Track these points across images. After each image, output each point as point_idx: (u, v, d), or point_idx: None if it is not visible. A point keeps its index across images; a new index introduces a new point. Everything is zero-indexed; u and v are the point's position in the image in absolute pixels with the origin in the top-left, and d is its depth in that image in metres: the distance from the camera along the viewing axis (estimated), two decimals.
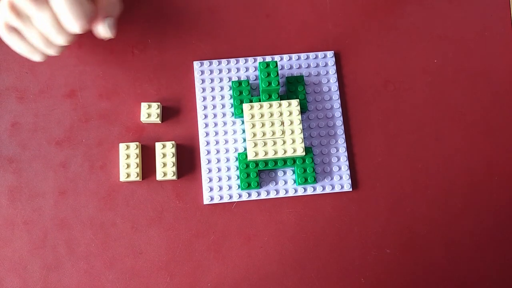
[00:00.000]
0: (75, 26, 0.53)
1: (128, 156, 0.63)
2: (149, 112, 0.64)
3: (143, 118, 0.64)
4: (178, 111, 0.66)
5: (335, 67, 0.68)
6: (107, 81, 0.67)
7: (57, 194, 0.63)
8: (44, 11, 0.53)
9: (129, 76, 0.67)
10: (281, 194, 0.64)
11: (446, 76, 0.69)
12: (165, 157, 0.63)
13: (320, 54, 0.68)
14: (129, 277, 0.62)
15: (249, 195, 0.64)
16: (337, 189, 0.64)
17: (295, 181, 0.64)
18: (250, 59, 0.67)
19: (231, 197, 0.63)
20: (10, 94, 0.66)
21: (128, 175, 0.63)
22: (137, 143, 0.64)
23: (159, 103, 0.64)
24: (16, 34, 0.56)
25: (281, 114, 0.63)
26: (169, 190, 0.64)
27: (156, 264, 0.62)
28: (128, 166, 0.63)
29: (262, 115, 0.63)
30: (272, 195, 0.64)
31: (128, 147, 0.63)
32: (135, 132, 0.65)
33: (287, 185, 0.64)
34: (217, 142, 0.65)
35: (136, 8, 0.69)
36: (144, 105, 0.64)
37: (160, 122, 0.66)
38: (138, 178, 0.63)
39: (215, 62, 0.67)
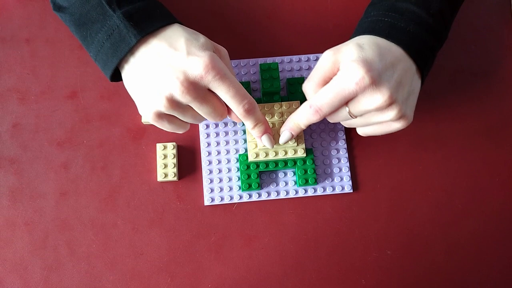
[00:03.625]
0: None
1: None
2: None
3: (144, 119, 0.64)
4: None
5: None
6: (108, 82, 0.67)
7: (58, 195, 0.64)
8: (208, 105, 0.53)
9: None
10: (282, 195, 0.64)
11: (446, 76, 0.70)
12: (166, 158, 0.63)
13: (321, 55, 0.68)
14: (130, 278, 0.62)
15: (250, 196, 0.64)
16: (337, 190, 0.64)
17: (295, 183, 0.64)
18: (251, 61, 0.68)
19: (232, 198, 0.64)
20: (12, 95, 0.66)
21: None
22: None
23: None
24: (166, 119, 0.55)
25: (282, 115, 0.63)
26: (170, 191, 0.64)
27: (156, 265, 0.62)
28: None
29: None
30: (273, 196, 0.64)
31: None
32: (136, 133, 0.66)
33: (287, 186, 0.64)
34: (218, 143, 0.65)
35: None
36: None
37: None
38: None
39: None
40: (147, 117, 0.54)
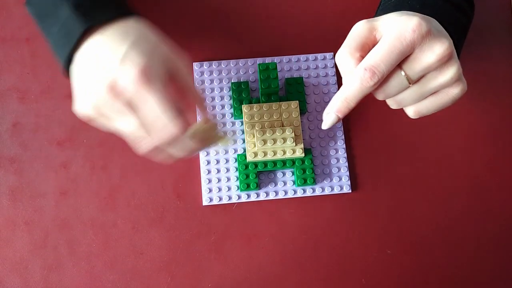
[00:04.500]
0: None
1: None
2: None
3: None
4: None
5: (334, 68, 0.68)
6: None
7: (58, 194, 0.64)
8: (154, 95, 0.46)
9: None
10: (280, 195, 0.64)
11: None
12: None
13: (320, 55, 0.68)
14: (130, 278, 0.62)
15: (248, 196, 0.64)
16: (336, 190, 0.65)
17: (294, 183, 0.64)
18: (250, 61, 0.68)
19: (230, 198, 0.64)
20: (12, 94, 0.66)
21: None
22: None
23: None
24: (104, 119, 0.48)
25: (280, 115, 0.63)
26: (170, 190, 0.64)
27: (156, 264, 0.62)
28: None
29: (261, 117, 0.63)
30: (271, 196, 0.64)
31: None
32: None
33: (286, 186, 0.64)
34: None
35: (136, 8, 0.69)
36: None
37: None
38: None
39: (214, 63, 0.67)
40: (82, 116, 0.48)
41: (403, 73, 0.46)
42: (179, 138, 0.48)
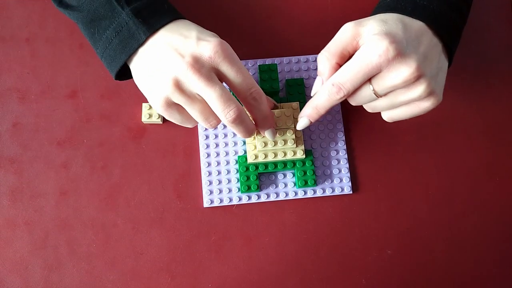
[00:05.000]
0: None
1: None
2: (150, 113, 0.65)
3: (144, 118, 0.65)
4: None
5: None
6: (108, 81, 0.67)
7: (58, 194, 0.64)
8: (215, 88, 0.50)
9: None
10: (281, 197, 0.64)
11: (446, 76, 0.70)
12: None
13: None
14: (130, 278, 0.62)
15: (249, 198, 0.64)
16: (337, 191, 0.65)
17: (295, 184, 0.65)
18: (250, 62, 0.68)
19: (231, 200, 0.64)
20: (12, 94, 0.66)
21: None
22: None
23: None
24: (175, 108, 0.53)
25: (281, 116, 0.63)
26: (170, 191, 0.64)
27: (157, 264, 0.62)
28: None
29: None
30: (272, 198, 0.64)
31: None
32: (137, 132, 0.66)
33: (287, 188, 0.65)
34: (217, 145, 0.65)
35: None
36: (145, 106, 0.65)
37: (161, 122, 0.66)
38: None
39: None
40: (157, 106, 0.53)
41: (371, 87, 0.51)
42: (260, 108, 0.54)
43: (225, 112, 0.51)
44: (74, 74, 0.67)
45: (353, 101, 0.54)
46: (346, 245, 0.64)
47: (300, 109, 0.64)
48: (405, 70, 0.48)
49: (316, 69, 0.68)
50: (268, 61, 0.68)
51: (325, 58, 0.53)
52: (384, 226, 0.65)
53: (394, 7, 0.54)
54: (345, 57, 0.52)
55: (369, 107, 0.55)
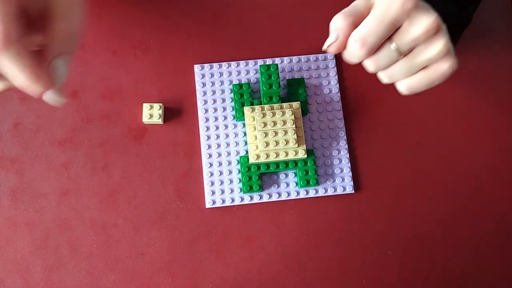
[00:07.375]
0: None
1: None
2: (151, 113, 0.65)
3: (145, 119, 0.65)
4: (180, 113, 0.67)
5: (335, 69, 0.68)
6: (109, 82, 0.67)
7: (59, 194, 0.64)
8: None
9: (131, 77, 0.67)
10: (283, 197, 0.64)
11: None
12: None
13: (321, 56, 0.68)
14: (131, 278, 0.62)
15: (251, 198, 0.64)
16: (339, 191, 0.65)
17: (297, 184, 0.64)
18: (251, 62, 0.68)
19: (233, 200, 0.64)
20: (13, 95, 0.66)
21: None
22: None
23: (161, 104, 0.65)
24: None
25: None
26: (171, 191, 0.64)
27: (157, 265, 0.62)
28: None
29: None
30: (274, 198, 0.64)
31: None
32: (137, 132, 0.66)
33: (289, 187, 0.64)
34: (218, 146, 0.65)
35: (138, 10, 0.69)
36: (146, 106, 0.65)
37: (162, 123, 0.66)
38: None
39: (215, 65, 0.67)
40: None
41: (393, 45, 0.49)
42: None
43: None
44: (74, 74, 0.67)
45: (374, 63, 0.52)
46: (347, 245, 0.64)
47: (302, 109, 0.65)
48: (425, 19, 0.48)
49: (317, 69, 0.68)
50: (268, 61, 0.68)
51: (341, 17, 0.51)
52: (385, 226, 0.65)
53: None
54: (361, 19, 0.50)
55: (387, 75, 0.53)
